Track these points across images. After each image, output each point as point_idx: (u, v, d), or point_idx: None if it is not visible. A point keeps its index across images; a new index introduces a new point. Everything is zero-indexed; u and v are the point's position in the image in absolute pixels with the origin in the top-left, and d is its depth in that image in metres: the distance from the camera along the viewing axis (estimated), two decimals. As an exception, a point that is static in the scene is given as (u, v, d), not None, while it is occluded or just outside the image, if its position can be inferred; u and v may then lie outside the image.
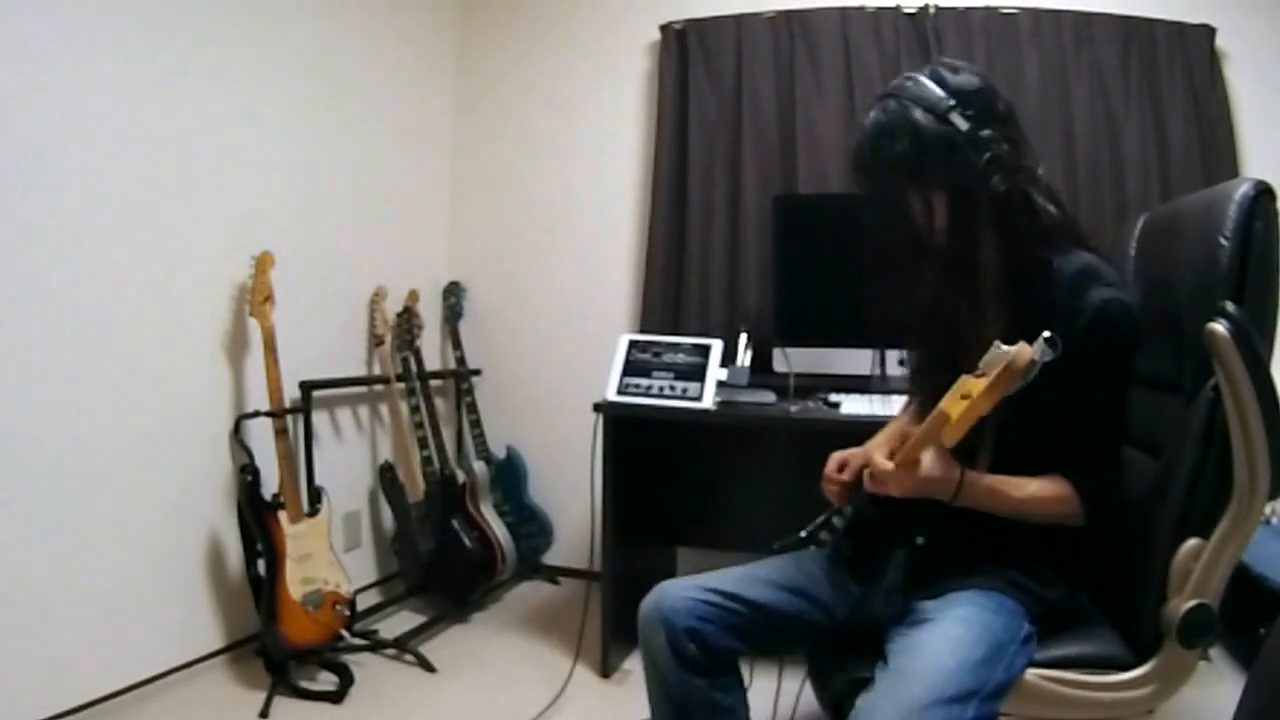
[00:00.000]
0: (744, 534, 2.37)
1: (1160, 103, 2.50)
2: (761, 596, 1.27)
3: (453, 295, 3.04)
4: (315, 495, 2.24)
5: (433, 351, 3.05)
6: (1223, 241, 1.09)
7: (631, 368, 2.20)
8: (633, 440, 2.24)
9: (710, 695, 1.26)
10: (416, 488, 2.62)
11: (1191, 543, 1.09)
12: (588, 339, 2.96)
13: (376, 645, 2.35)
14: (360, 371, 2.71)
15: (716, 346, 2.20)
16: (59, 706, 1.81)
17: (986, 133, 1.13)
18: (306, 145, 2.49)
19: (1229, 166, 2.46)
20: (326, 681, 2.12)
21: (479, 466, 2.81)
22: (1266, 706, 0.89)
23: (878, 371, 1.39)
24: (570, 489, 2.91)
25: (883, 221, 1.26)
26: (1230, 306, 1.04)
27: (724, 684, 1.28)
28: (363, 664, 2.23)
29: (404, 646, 2.32)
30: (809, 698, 1.37)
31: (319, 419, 2.53)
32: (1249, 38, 2.52)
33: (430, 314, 2.98)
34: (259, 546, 2.10)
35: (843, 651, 1.25)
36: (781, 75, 2.72)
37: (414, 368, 2.73)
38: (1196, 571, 1.08)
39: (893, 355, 1.39)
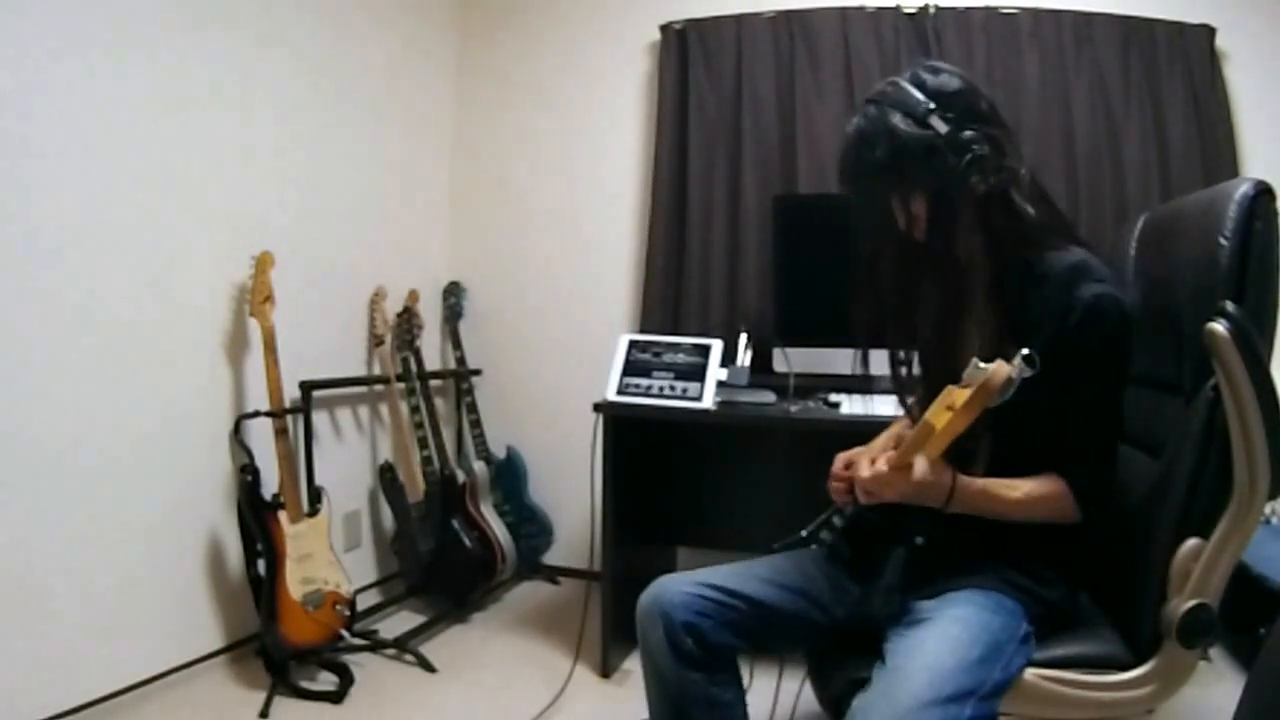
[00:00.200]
0: (744, 534, 2.37)
1: (1160, 103, 2.50)
2: (760, 593, 1.27)
3: (453, 295, 3.04)
4: (315, 495, 2.24)
5: (433, 351, 3.05)
6: (1223, 241, 1.09)
7: (631, 368, 2.20)
8: (633, 440, 2.24)
9: (707, 690, 1.26)
10: (416, 488, 2.62)
11: (1191, 543, 1.09)
12: (588, 339, 2.96)
13: (376, 645, 2.35)
14: (360, 371, 2.71)
15: (716, 346, 2.20)
16: (59, 706, 1.81)
17: (967, 134, 1.14)
18: (306, 145, 2.49)
19: (1229, 166, 2.46)
20: (326, 681, 2.12)
21: (479, 466, 2.81)
22: (1266, 706, 0.89)
23: (859, 370, 1.40)
24: (570, 489, 2.91)
25: (869, 227, 1.27)
26: (1230, 306, 1.04)
27: (721, 679, 1.28)
28: (363, 664, 2.23)
29: (404, 646, 2.32)
30: (809, 697, 1.37)
31: (319, 419, 2.53)
32: (1249, 38, 2.52)
33: (430, 314, 2.98)
34: (259, 546, 2.10)
35: (842, 651, 1.25)
36: (781, 75, 2.72)
37: (414, 368, 2.73)
38: (1196, 571, 1.08)
39: (876, 355, 1.39)
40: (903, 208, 1.20)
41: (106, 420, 1.92)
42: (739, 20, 2.76)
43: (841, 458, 1.35)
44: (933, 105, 1.15)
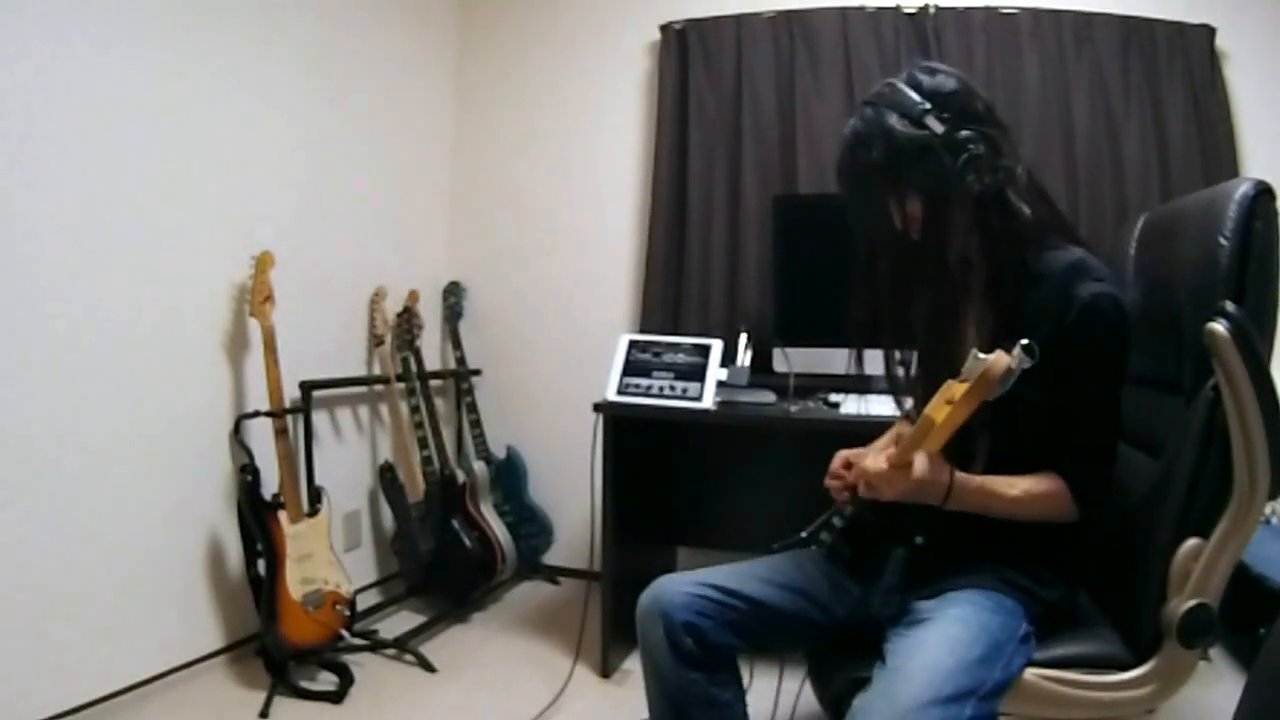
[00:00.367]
0: (744, 534, 2.38)
1: (1160, 103, 2.50)
2: (760, 593, 1.27)
3: (453, 295, 3.04)
4: (315, 495, 2.24)
5: (433, 351, 3.05)
6: (1223, 241, 1.09)
7: (631, 368, 2.20)
8: (633, 440, 2.24)
9: (707, 690, 1.26)
10: (416, 488, 2.62)
11: (1191, 542, 1.09)
12: (588, 339, 2.96)
13: (376, 645, 2.35)
14: (360, 371, 2.71)
15: (716, 346, 2.20)
16: (59, 706, 1.81)
17: (963, 134, 1.14)
18: (306, 145, 2.49)
19: (1229, 166, 2.46)
20: (326, 681, 2.12)
21: (479, 466, 2.81)
22: (1266, 706, 0.89)
23: (853, 370, 1.40)
24: (570, 489, 2.91)
25: (866, 228, 1.27)
26: (1230, 306, 1.04)
27: (721, 679, 1.28)
28: (363, 664, 2.23)
29: (404, 646, 2.32)
30: (809, 697, 1.37)
31: (319, 419, 2.53)
32: (1249, 38, 2.52)
33: (430, 314, 2.98)
34: (259, 546, 2.10)
35: (842, 651, 1.25)
36: (781, 75, 2.72)
37: (414, 368, 2.73)
38: (1196, 571, 1.08)
39: (872, 356, 1.39)
40: (899, 208, 1.21)
41: (107, 420, 1.92)
42: (739, 20, 2.76)
43: (841, 456, 1.35)
44: (928, 106, 1.15)
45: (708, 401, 2.10)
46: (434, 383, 2.97)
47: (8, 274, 1.72)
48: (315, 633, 2.10)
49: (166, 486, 2.06)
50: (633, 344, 2.25)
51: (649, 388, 2.16)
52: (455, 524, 2.58)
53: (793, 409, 2.06)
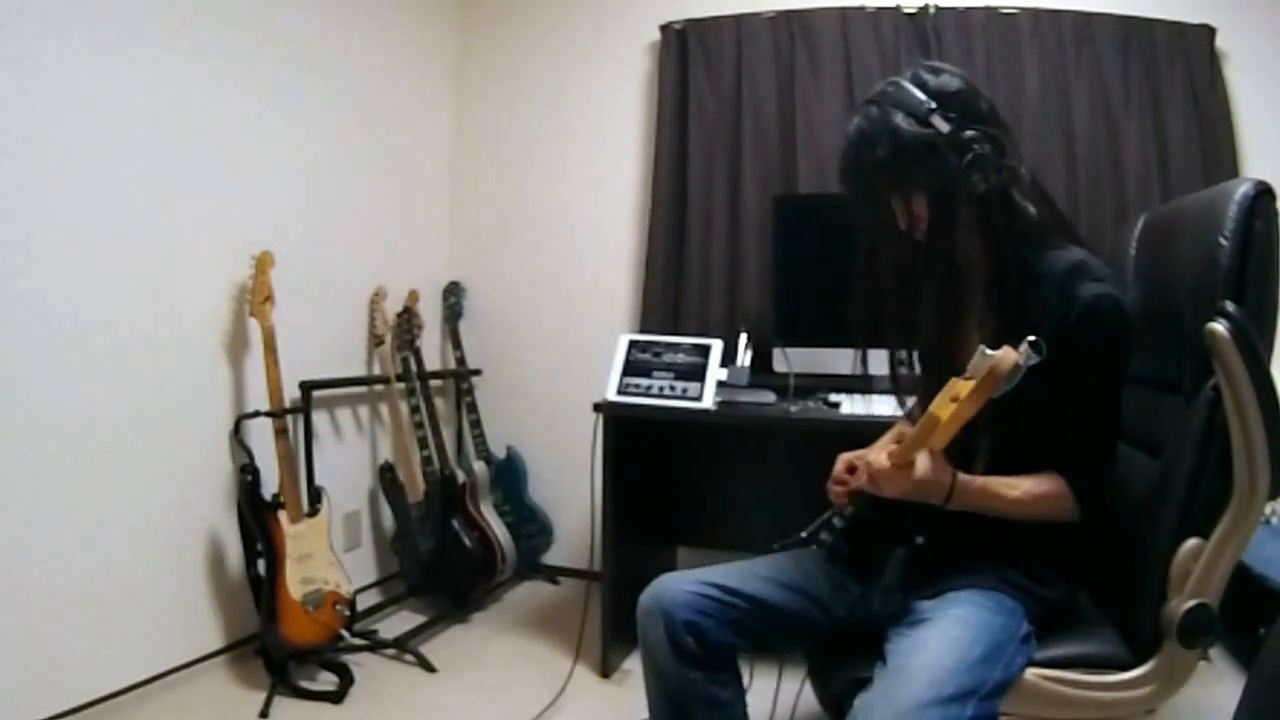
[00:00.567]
0: (744, 534, 2.38)
1: (1160, 103, 2.50)
2: (761, 592, 1.27)
3: (453, 295, 3.04)
4: (315, 495, 2.24)
5: (433, 351, 3.05)
6: (1223, 241, 1.09)
7: (631, 368, 2.20)
8: (633, 440, 2.24)
9: (707, 689, 1.26)
10: (416, 488, 2.62)
11: (1191, 543, 1.09)
12: (588, 339, 2.96)
13: (376, 645, 2.35)
14: (360, 371, 2.71)
15: (716, 346, 2.20)
16: (59, 706, 1.81)
17: (968, 134, 1.14)
18: (306, 145, 2.49)
19: (1229, 166, 2.46)
20: (326, 681, 2.12)
21: (479, 466, 2.81)
22: (1266, 706, 0.89)
23: (859, 370, 1.40)
24: (570, 489, 2.91)
25: (869, 227, 1.27)
26: (1230, 306, 1.05)
27: (721, 678, 1.28)
28: (363, 664, 2.23)
29: (404, 646, 2.32)
30: (809, 697, 1.37)
31: (319, 419, 2.53)
32: (1249, 38, 2.52)
33: (430, 314, 2.98)
34: (259, 546, 2.09)
35: (842, 651, 1.25)
36: (781, 75, 2.72)
37: (414, 368, 2.73)
38: (1196, 571, 1.08)
39: (876, 355, 1.39)
40: (904, 207, 1.21)
41: (106, 420, 1.92)
42: (739, 20, 2.76)
43: (844, 460, 1.34)
44: (934, 105, 1.15)
45: (708, 401, 2.10)
46: (434, 383, 2.97)
47: (7, 274, 1.72)
48: (315, 633, 2.10)
49: (166, 486, 2.06)
50: (633, 344, 2.25)
51: (649, 388, 2.16)
52: (455, 524, 2.58)
53: (793, 409, 2.06)
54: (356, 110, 2.69)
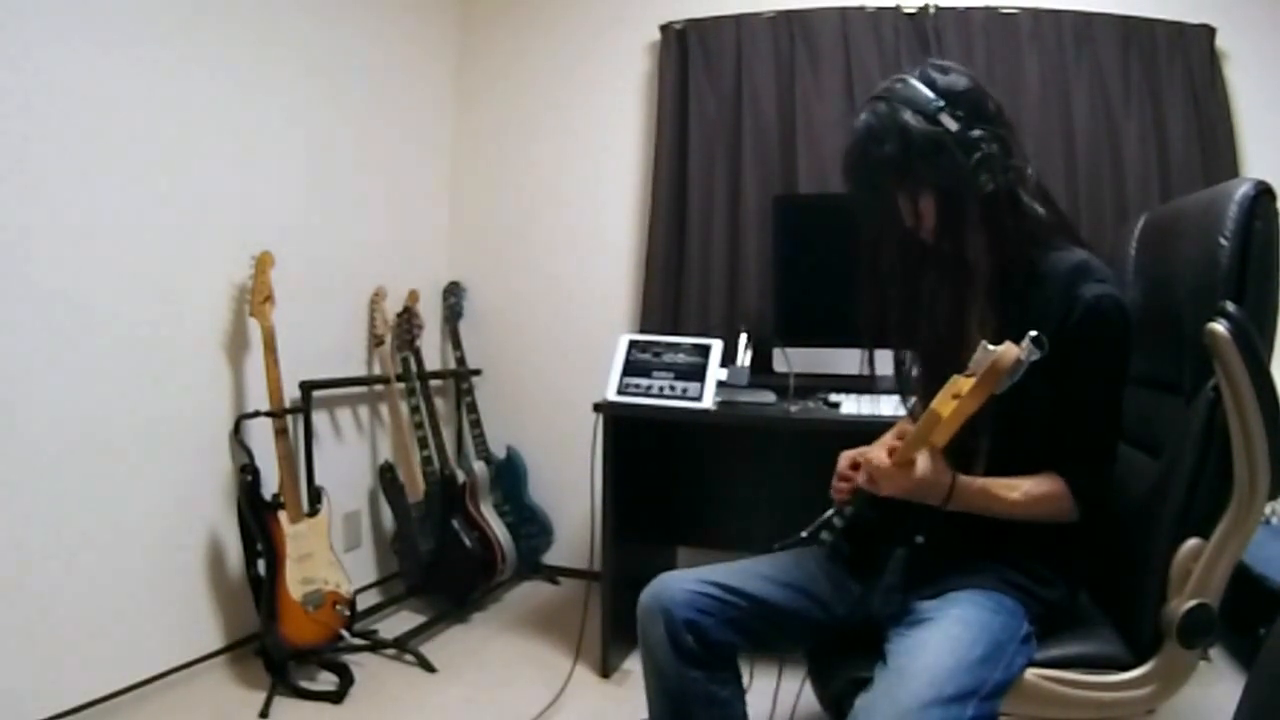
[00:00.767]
0: (744, 534, 2.38)
1: (1160, 103, 2.50)
2: (762, 591, 1.27)
3: (453, 295, 3.04)
4: (315, 495, 2.24)
5: (433, 351, 3.05)
6: (1223, 241, 1.09)
7: (631, 368, 2.20)
8: (633, 440, 2.24)
9: (707, 688, 1.26)
10: (416, 488, 2.62)
11: (1191, 543, 1.09)
12: (588, 339, 2.96)
13: (376, 645, 2.35)
14: (360, 371, 2.71)
15: (716, 346, 2.20)
16: (59, 706, 1.81)
17: (976, 133, 1.14)
18: (307, 145, 2.49)
19: (1229, 166, 2.46)
20: (326, 681, 2.12)
21: (479, 466, 2.81)
22: (1266, 706, 0.89)
23: (866, 371, 1.39)
24: (570, 489, 2.91)
25: (873, 224, 1.27)
26: (1230, 306, 1.05)
27: (721, 677, 1.28)
28: (363, 664, 2.23)
29: (404, 646, 2.32)
30: (809, 697, 1.37)
31: (319, 419, 2.53)
32: (1249, 38, 2.52)
33: (430, 314, 2.98)
34: (259, 546, 2.09)
35: (842, 651, 1.25)
36: (781, 75, 2.72)
37: (414, 368, 2.73)
38: (1196, 571, 1.08)
39: (882, 355, 1.39)
40: (910, 205, 1.20)
41: (106, 420, 1.92)
42: (739, 20, 2.76)
43: (847, 457, 1.34)
44: (943, 103, 1.15)
45: (708, 401, 2.10)
46: (434, 383, 2.97)
47: (7, 274, 1.72)
48: (315, 633, 2.10)
49: (166, 486, 2.06)
50: (633, 344, 2.25)
51: (649, 388, 2.16)
52: (455, 524, 2.58)
53: (793, 409, 2.06)
54: (356, 110, 2.69)
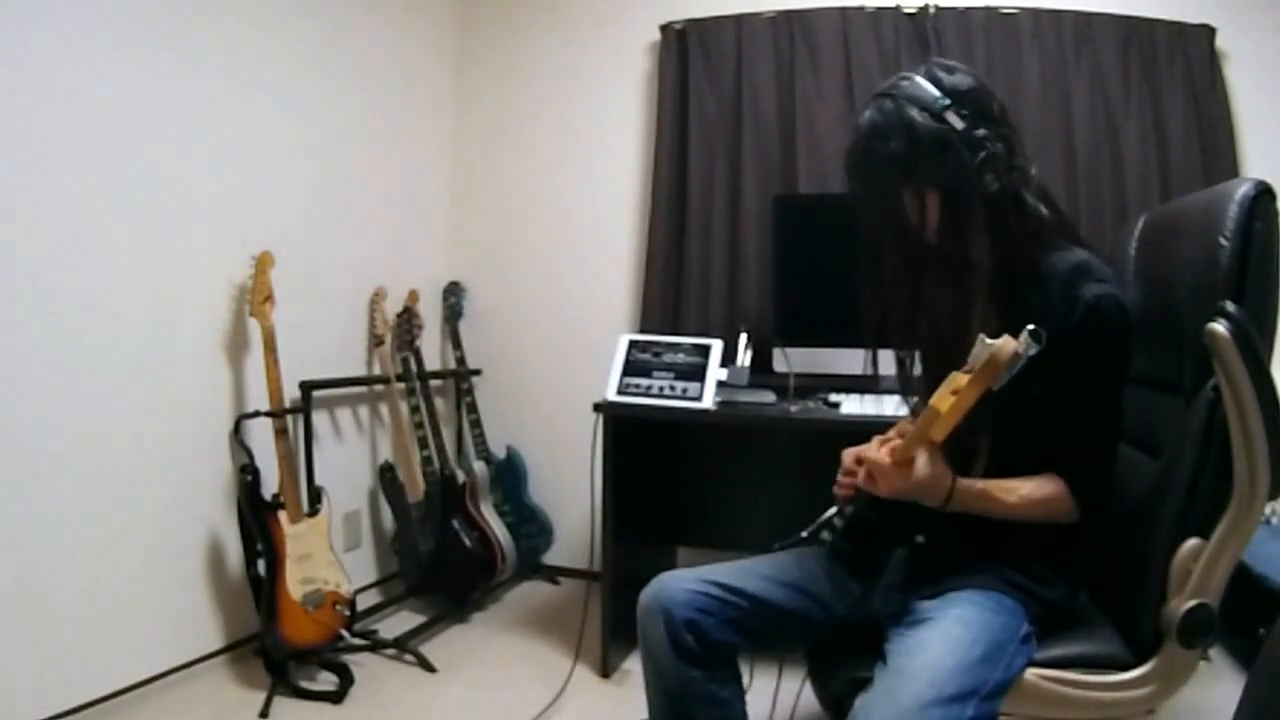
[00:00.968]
0: (744, 534, 2.38)
1: (1160, 103, 2.50)
2: (762, 591, 1.27)
3: (453, 295, 3.04)
4: (315, 495, 2.24)
5: (433, 351, 3.05)
6: (1223, 241, 1.09)
7: (631, 368, 2.20)
8: (633, 440, 2.24)
9: (707, 687, 1.26)
10: (416, 488, 2.62)
11: (1191, 543, 1.09)
12: (588, 339, 2.96)
13: (376, 645, 2.35)
14: (360, 371, 2.71)
15: (716, 346, 2.20)
16: (59, 706, 1.81)
17: (981, 132, 1.14)
18: (307, 145, 2.49)
19: (1229, 166, 2.46)
20: (326, 681, 2.12)
21: (479, 466, 2.81)
22: (1266, 706, 0.89)
23: (869, 371, 1.39)
24: (570, 489, 2.91)
25: (876, 222, 1.26)
26: (1230, 306, 1.04)
27: (721, 677, 1.28)
28: (363, 664, 2.23)
29: (404, 646, 2.32)
30: (809, 697, 1.37)
31: (319, 419, 2.53)
32: (1249, 38, 2.52)
33: (430, 314, 2.98)
34: (259, 546, 2.09)
35: (842, 651, 1.25)
36: (781, 75, 2.72)
37: (414, 368, 2.73)
38: (1196, 571, 1.08)
39: (885, 355, 1.38)
40: (914, 202, 1.20)
41: (106, 420, 1.92)
42: (739, 20, 2.76)
43: (850, 454, 1.33)
44: (949, 102, 1.14)
45: (708, 401, 2.10)
46: (434, 383, 2.97)
47: (7, 274, 1.72)
48: (315, 633, 2.10)
49: (166, 486, 2.06)
50: (633, 344, 2.25)
51: (649, 388, 2.16)
52: (455, 524, 2.58)
53: (793, 409, 2.06)
54: (357, 110, 2.69)
